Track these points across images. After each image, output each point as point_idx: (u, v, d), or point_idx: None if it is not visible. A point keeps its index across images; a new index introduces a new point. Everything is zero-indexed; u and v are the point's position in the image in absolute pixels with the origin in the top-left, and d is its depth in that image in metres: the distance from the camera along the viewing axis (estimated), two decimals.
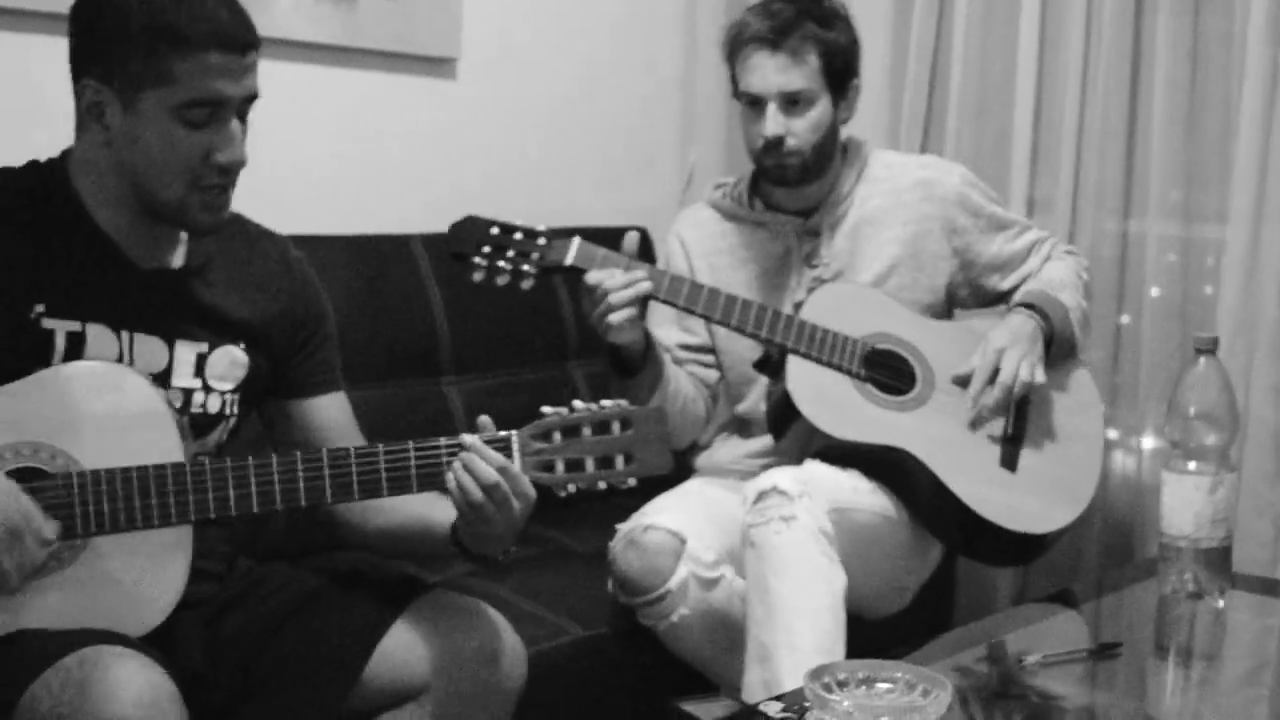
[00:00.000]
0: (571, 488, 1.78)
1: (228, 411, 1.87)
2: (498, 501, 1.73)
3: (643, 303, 2.32)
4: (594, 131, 3.50)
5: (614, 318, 2.26)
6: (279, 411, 1.96)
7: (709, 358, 2.64)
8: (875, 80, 3.27)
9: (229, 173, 1.76)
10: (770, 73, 2.46)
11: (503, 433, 1.75)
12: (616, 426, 1.77)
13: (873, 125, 3.24)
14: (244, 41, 1.73)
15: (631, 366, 2.40)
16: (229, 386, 1.86)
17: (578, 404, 1.78)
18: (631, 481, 1.78)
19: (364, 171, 3.05)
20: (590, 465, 1.77)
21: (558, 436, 1.76)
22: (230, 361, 1.86)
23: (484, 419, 1.77)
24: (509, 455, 1.75)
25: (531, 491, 1.75)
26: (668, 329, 2.58)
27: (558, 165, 3.41)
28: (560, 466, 1.76)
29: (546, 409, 1.77)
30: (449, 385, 2.93)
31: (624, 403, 1.78)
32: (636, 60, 3.59)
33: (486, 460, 1.73)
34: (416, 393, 2.86)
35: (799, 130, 2.48)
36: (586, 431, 1.77)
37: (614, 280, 2.27)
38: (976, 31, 3.24)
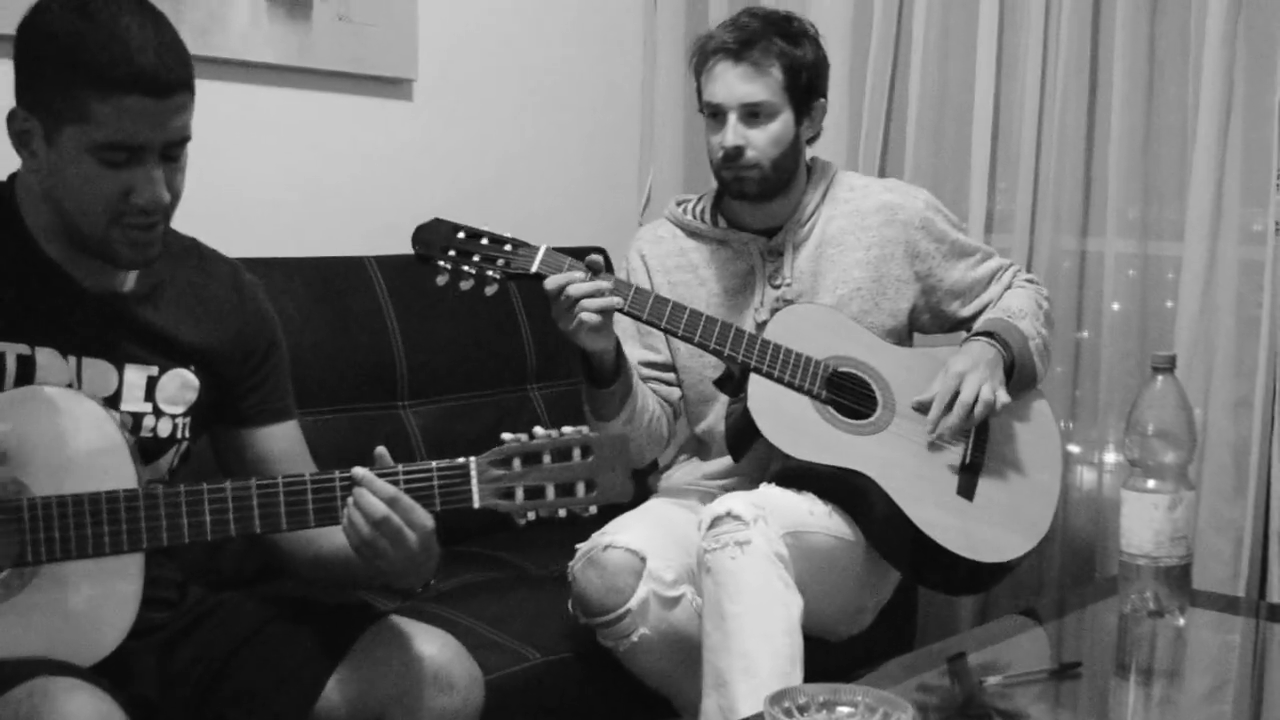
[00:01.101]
0: (531, 515, 1.76)
1: (179, 435, 1.85)
2: (389, 535, 1.70)
3: (609, 316, 2.31)
4: (551, 151, 3.50)
5: (587, 316, 2.24)
6: (228, 440, 1.94)
7: (671, 375, 2.64)
8: (832, 97, 3.26)
9: (150, 213, 1.71)
10: (732, 82, 2.46)
11: (460, 459, 1.74)
12: (578, 453, 1.76)
13: (831, 143, 3.24)
14: (168, 84, 1.66)
15: (604, 376, 2.39)
16: (180, 410, 1.85)
17: (539, 430, 1.76)
18: (592, 509, 1.77)
19: (319, 193, 3.04)
20: (551, 492, 1.75)
21: (517, 463, 1.75)
22: (181, 384, 1.85)
23: (380, 450, 1.75)
24: (465, 481, 1.74)
25: (427, 521, 1.72)
26: (630, 346, 2.57)
27: (515, 185, 3.41)
28: (520, 494, 1.75)
29: (506, 435, 1.76)
30: (406, 409, 2.92)
31: (585, 430, 1.78)
32: (594, 80, 3.60)
33: (375, 492, 1.70)
34: (373, 418, 2.85)
35: (758, 142, 2.48)
36: (547, 458, 1.75)
37: (583, 286, 2.26)
38: (934, 49, 3.25)
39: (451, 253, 2.27)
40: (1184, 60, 2.96)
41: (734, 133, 2.47)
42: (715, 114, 2.50)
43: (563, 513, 1.76)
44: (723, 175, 2.52)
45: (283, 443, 1.94)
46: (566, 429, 1.77)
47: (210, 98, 2.83)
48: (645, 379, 2.59)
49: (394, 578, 1.77)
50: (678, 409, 2.65)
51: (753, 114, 2.47)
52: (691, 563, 2.35)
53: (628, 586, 2.33)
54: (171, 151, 1.71)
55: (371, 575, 1.79)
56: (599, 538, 2.39)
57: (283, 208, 2.97)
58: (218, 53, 2.78)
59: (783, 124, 2.49)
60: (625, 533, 2.38)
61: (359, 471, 1.71)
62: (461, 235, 2.28)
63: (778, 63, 2.46)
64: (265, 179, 2.93)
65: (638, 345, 2.61)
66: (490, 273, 2.27)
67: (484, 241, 2.28)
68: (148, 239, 1.73)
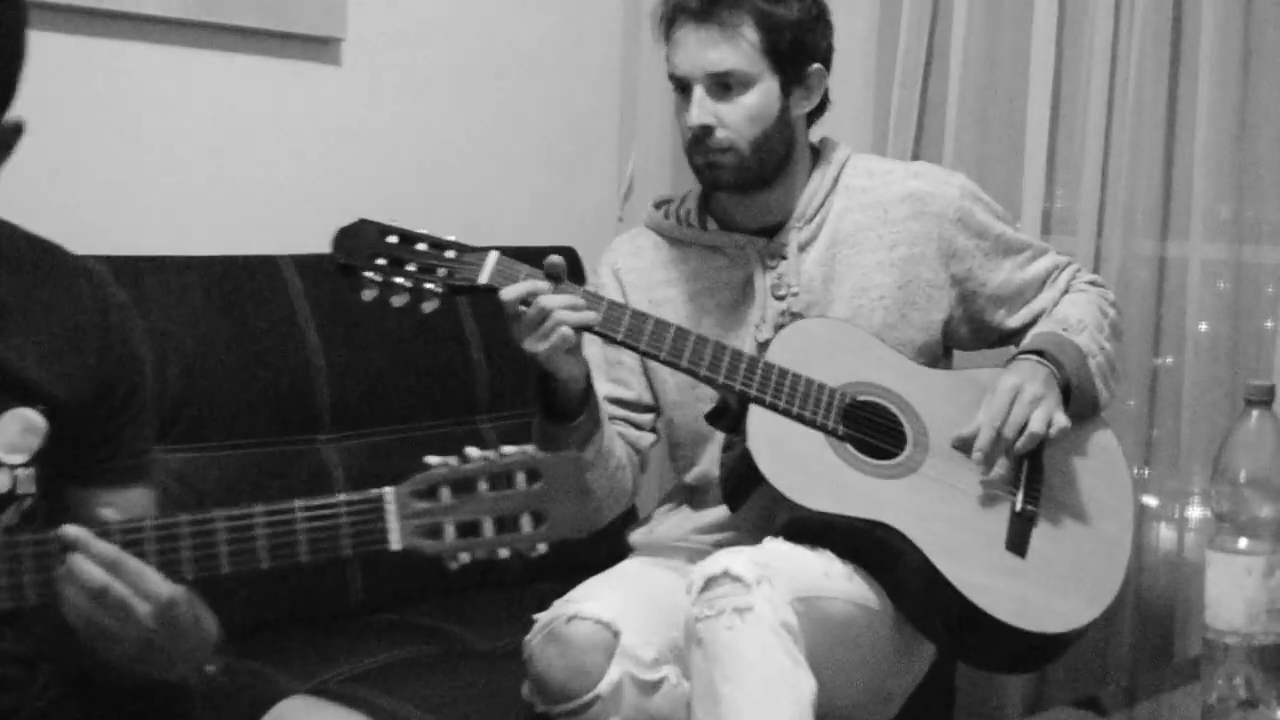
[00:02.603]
0: (465, 557, 1.73)
1: (19, 490, 1.82)
2: (111, 609, 1.64)
3: (585, 330, 2.31)
4: (511, 131, 3.51)
5: (567, 332, 2.24)
6: (63, 500, 1.91)
7: (644, 417, 2.64)
8: (855, 72, 3.30)
9: None
10: (695, 49, 2.47)
11: (374, 491, 1.72)
12: (521, 479, 1.74)
13: (852, 127, 3.25)
14: None
15: (568, 408, 2.38)
16: (21, 459, 1.81)
17: (472, 451, 1.74)
18: (542, 547, 1.75)
19: (225, 177, 3.03)
20: (489, 528, 1.73)
21: (446, 493, 1.72)
22: (23, 428, 1.81)
23: (107, 512, 1.72)
24: (381, 518, 1.71)
25: (160, 590, 1.66)
26: (596, 379, 2.55)
27: (466, 171, 3.42)
28: (450, 531, 1.72)
29: (432, 459, 1.73)
30: (328, 445, 2.93)
31: (530, 449, 1.75)
32: (564, 45, 3.61)
33: (93, 557, 1.64)
34: (287, 454, 2.86)
35: (731, 119, 2.48)
36: (483, 485, 1.73)
37: (559, 296, 2.26)
38: (981, 12, 3.26)
39: (381, 261, 2.26)
40: None
41: (700, 108, 2.48)
42: (682, 87, 2.51)
43: (505, 553, 1.74)
44: (694, 161, 2.53)
45: (125, 515, 1.89)
46: (507, 448, 1.75)
47: (87, 58, 2.83)
48: (611, 419, 2.58)
49: (147, 667, 1.72)
50: (646, 460, 2.65)
51: (723, 85, 2.48)
52: (677, 637, 2.34)
53: (597, 667, 2.31)
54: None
55: (120, 665, 1.73)
56: (562, 606, 2.38)
57: (177, 195, 2.96)
58: (101, 4, 2.79)
59: (761, 96, 2.49)
60: (595, 600, 2.36)
61: (71, 532, 1.65)
62: (393, 239, 2.28)
63: (751, 22, 2.46)
64: (156, 160, 2.93)
65: (604, 378, 2.61)
66: (429, 285, 2.27)
67: (421, 247, 2.28)
68: None
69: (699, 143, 2.49)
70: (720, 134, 2.48)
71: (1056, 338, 2.52)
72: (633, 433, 2.61)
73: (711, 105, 2.48)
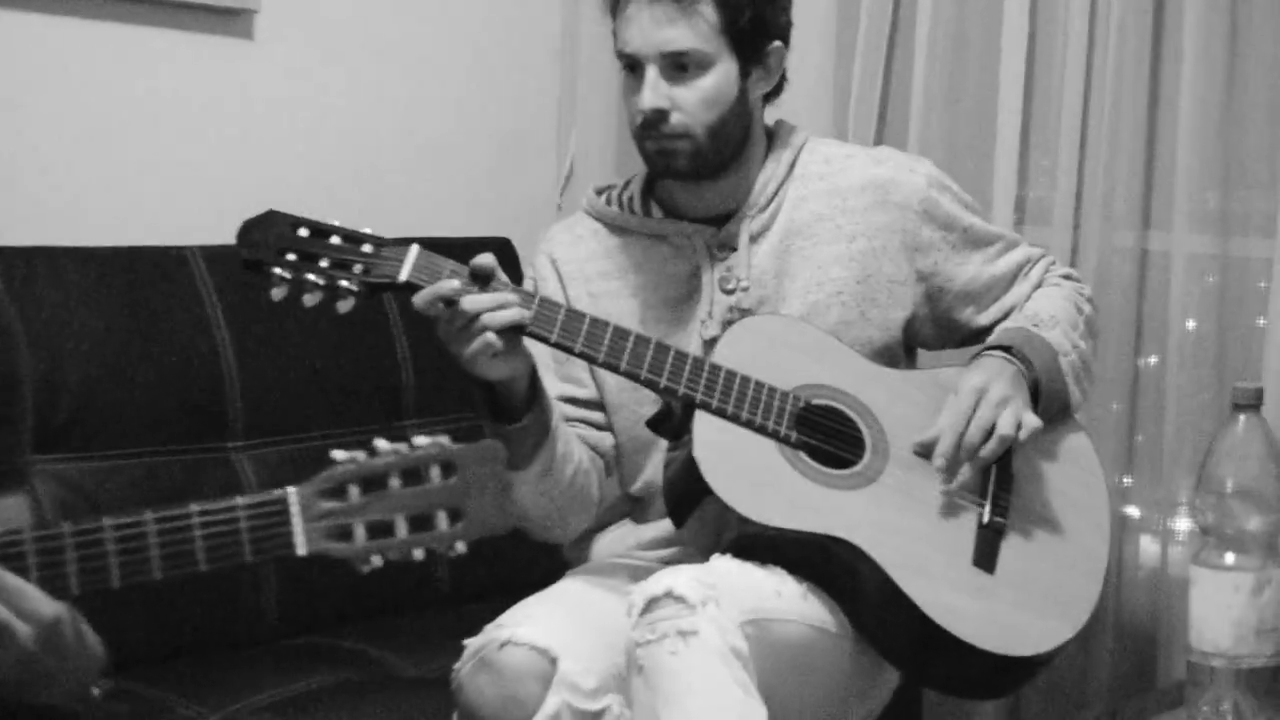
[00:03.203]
0: (378, 560, 1.73)
1: None
2: None
3: (516, 331, 2.30)
4: (439, 110, 3.51)
5: (491, 338, 2.23)
6: None
7: (602, 417, 2.63)
8: (813, 47, 3.29)
9: None
10: (647, 25, 2.46)
11: (276, 491, 1.71)
12: (435, 472, 1.74)
13: (809, 108, 3.24)
14: None
15: (510, 412, 2.37)
16: None
17: (381, 444, 1.74)
18: (460, 546, 1.75)
19: (126, 161, 3.03)
20: (402, 527, 1.73)
21: (355, 491, 1.72)
22: None
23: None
24: (284, 521, 1.71)
25: (44, 610, 1.66)
26: (547, 378, 2.55)
27: (391, 156, 3.42)
28: (360, 532, 1.72)
29: (338, 454, 1.73)
30: (240, 453, 2.93)
31: (444, 439, 1.75)
32: (498, 16, 3.61)
33: None
34: (195, 463, 2.86)
35: (686, 102, 2.47)
36: (394, 481, 1.73)
37: (481, 298, 2.25)
38: None
39: (291, 256, 2.25)
40: (1277, 4, 2.97)
41: (654, 91, 2.47)
42: (632, 66, 2.51)
43: (420, 553, 1.74)
44: (645, 147, 2.53)
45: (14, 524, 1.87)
46: (419, 439, 1.75)
47: None
48: (567, 420, 2.58)
49: (26, 691, 1.71)
50: (610, 462, 2.64)
51: (678, 65, 2.47)
52: (620, 662, 2.33)
53: (532, 697, 2.30)
54: None
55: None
56: (494, 631, 2.36)
57: (73, 180, 2.96)
58: None
59: (719, 77, 2.49)
60: (530, 624, 2.35)
61: None
62: (304, 233, 2.27)
63: None
64: (47, 140, 2.92)
65: (554, 377, 2.60)
66: (344, 283, 2.26)
67: (335, 241, 2.27)
68: None
69: (651, 127, 2.48)
70: (675, 118, 2.48)
71: (1026, 333, 2.53)
72: (593, 434, 2.60)
73: (665, 88, 2.47)
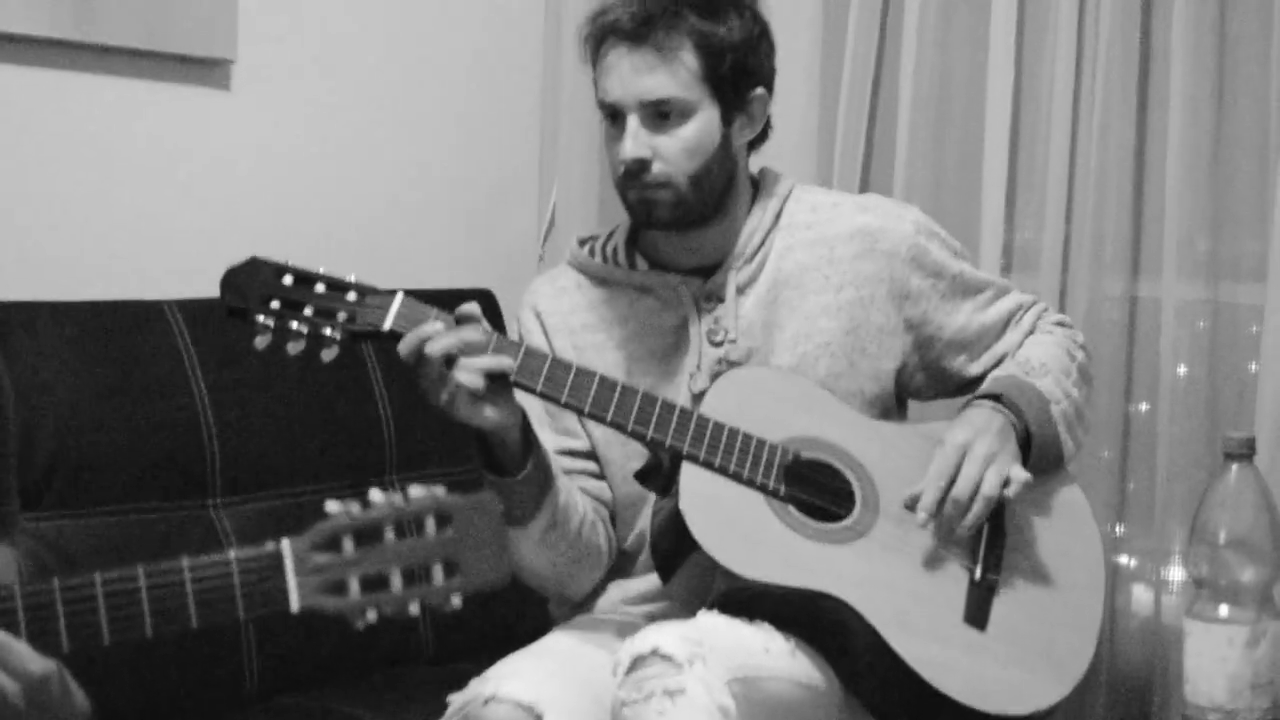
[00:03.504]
0: (373, 615, 1.71)
1: None
2: None
3: (502, 381, 2.30)
4: (422, 161, 3.51)
5: (466, 379, 2.23)
6: None
7: (600, 466, 2.63)
8: (797, 93, 3.31)
9: None
10: (627, 74, 2.47)
11: (269, 545, 1.70)
12: (430, 524, 1.72)
13: (794, 155, 3.27)
14: None
15: (506, 463, 2.36)
16: None
17: (375, 495, 1.73)
18: (456, 600, 1.73)
19: (102, 213, 3.02)
20: (397, 581, 1.71)
21: (349, 544, 1.70)
22: None
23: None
24: (278, 575, 1.70)
25: (33, 668, 1.66)
26: (543, 433, 2.54)
27: (371, 207, 3.41)
28: (355, 586, 1.70)
29: (332, 505, 1.72)
30: (219, 509, 2.91)
31: (439, 490, 1.74)
32: (479, 66, 3.61)
33: None
34: (173, 521, 2.83)
35: (668, 152, 2.48)
36: (389, 534, 1.71)
37: (448, 339, 2.24)
38: (934, 26, 3.28)
39: (275, 304, 2.25)
40: (1264, 46, 3.00)
41: (635, 140, 2.47)
42: (613, 116, 2.51)
43: (415, 608, 1.73)
44: (627, 197, 2.52)
45: None
46: (414, 490, 1.73)
47: None
48: (566, 473, 2.56)
49: None
50: (614, 512, 2.63)
51: (659, 114, 2.47)
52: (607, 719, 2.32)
53: None
54: None
55: None
56: (479, 686, 2.35)
57: (48, 233, 2.95)
58: None
59: (701, 125, 2.49)
60: (515, 680, 2.33)
61: None
62: (288, 280, 2.27)
63: (689, 43, 2.46)
64: (22, 193, 2.91)
65: (549, 430, 2.59)
66: (328, 331, 2.25)
67: (319, 289, 2.27)
68: None
69: (633, 177, 2.48)
70: (657, 168, 2.47)
71: (1016, 381, 2.53)
72: (593, 484, 2.59)
73: (647, 136, 2.47)
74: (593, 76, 2.54)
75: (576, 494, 2.51)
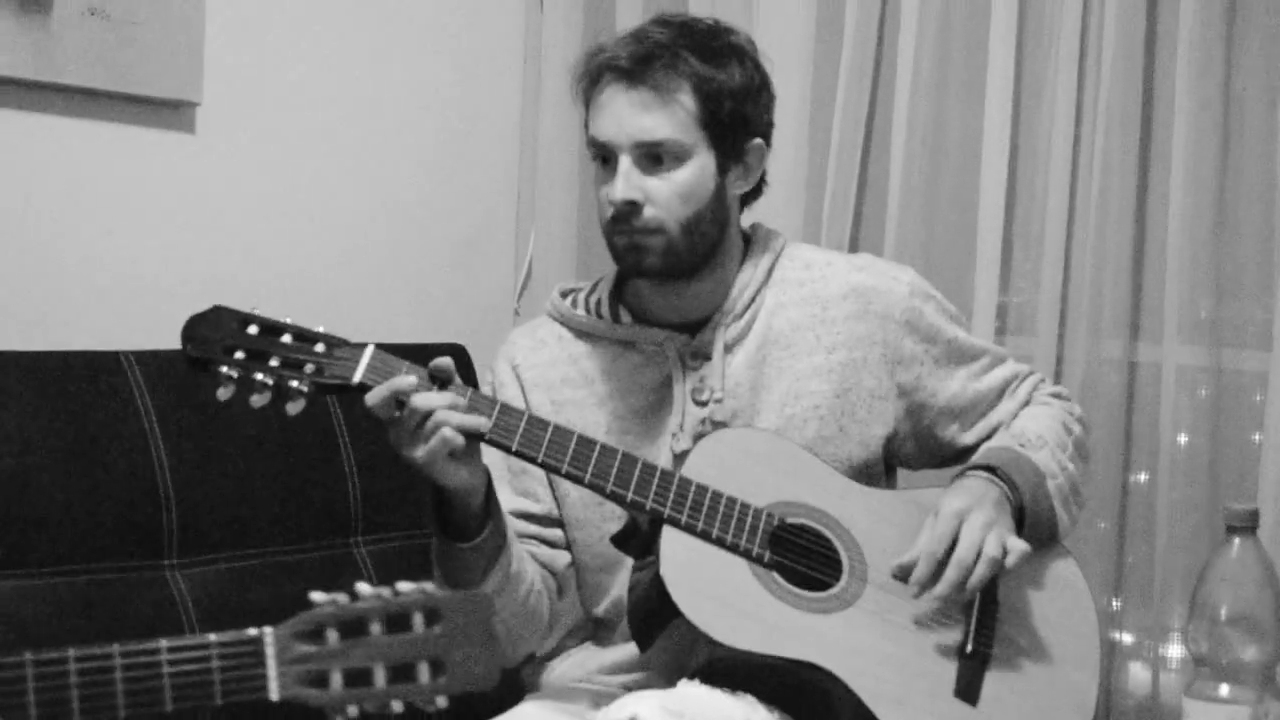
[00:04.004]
0: (354, 711, 1.71)
1: None
2: None
3: (475, 439, 2.30)
4: (393, 210, 3.51)
5: (449, 435, 2.23)
6: None
7: (557, 533, 2.63)
8: (786, 145, 3.29)
9: None
10: (623, 114, 2.48)
11: (251, 631, 1.70)
12: (419, 620, 1.73)
13: (782, 210, 3.27)
14: None
15: (464, 525, 2.36)
16: None
17: (363, 588, 1.73)
18: (441, 701, 1.73)
19: (59, 259, 3.01)
20: (381, 677, 1.71)
21: (333, 636, 1.71)
22: None
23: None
24: (259, 662, 1.70)
25: None
26: (499, 490, 2.54)
27: (339, 256, 3.42)
28: (338, 679, 1.70)
29: (317, 595, 1.72)
30: (175, 570, 2.87)
31: (429, 586, 1.74)
32: (454, 112, 3.62)
33: None
34: (127, 582, 2.80)
35: (660, 195, 2.49)
36: (375, 628, 1.72)
37: (438, 396, 2.25)
38: (927, 81, 3.31)
39: (239, 355, 2.25)
40: (1270, 106, 3.02)
41: (626, 182, 2.48)
42: (604, 158, 2.52)
43: (398, 706, 1.72)
44: (614, 242, 2.53)
45: None
46: (403, 585, 1.74)
47: None
48: (520, 537, 2.57)
49: None
50: (563, 582, 2.63)
51: (653, 156, 2.49)
52: None
53: None
54: None
55: None
56: None
57: (3, 278, 2.94)
58: None
59: (696, 171, 2.50)
60: None
61: None
62: (253, 330, 2.27)
63: (688, 85, 2.48)
64: None
65: (509, 490, 2.60)
66: (294, 383, 2.25)
67: (286, 339, 2.28)
68: None
69: (622, 221, 2.49)
70: (648, 212, 2.48)
71: (1012, 454, 2.54)
72: (545, 551, 2.59)
73: (639, 178, 2.48)
74: (583, 119, 2.56)
75: (527, 561, 2.51)
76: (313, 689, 1.70)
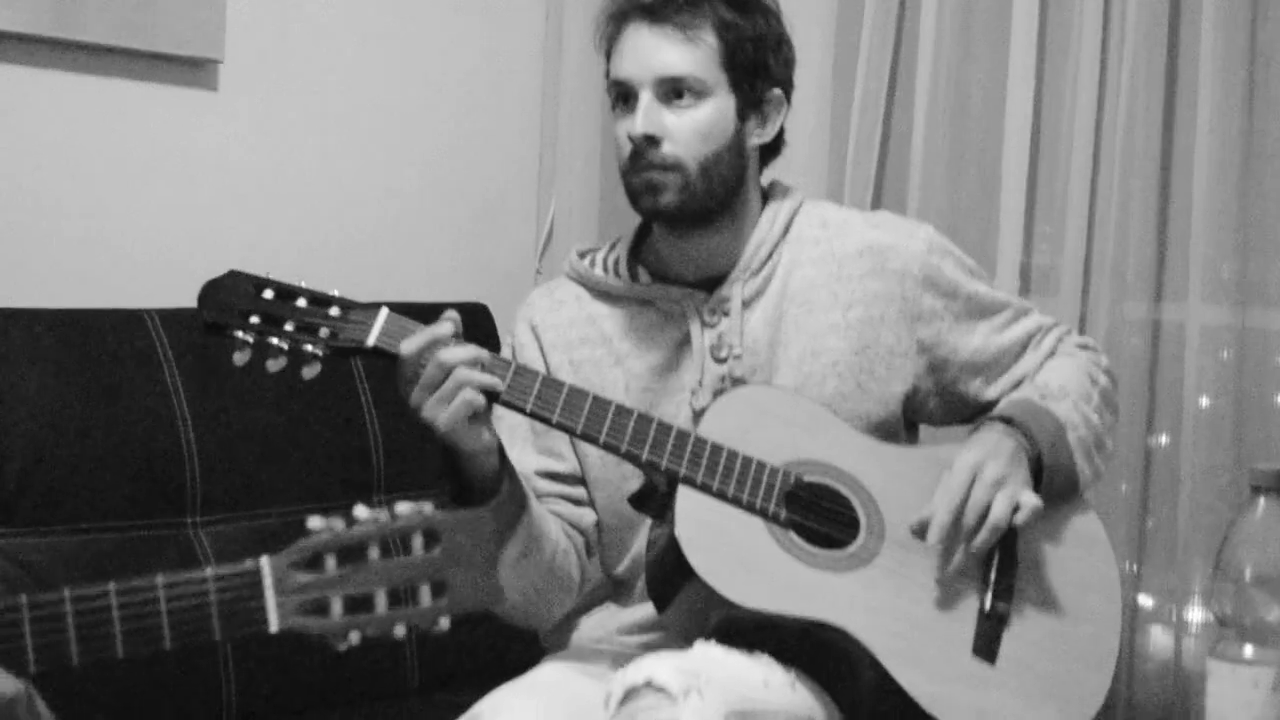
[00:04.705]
0: (355, 637, 1.70)
1: None
2: None
3: (490, 400, 2.29)
4: (416, 167, 3.52)
5: (471, 396, 2.22)
6: None
7: (582, 492, 2.62)
8: (808, 105, 3.30)
9: None
10: (647, 49, 2.48)
11: (247, 562, 1.68)
12: (418, 542, 1.70)
13: (804, 169, 3.27)
14: None
15: (482, 488, 2.35)
16: None
17: (360, 511, 1.71)
18: (444, 622, 1.72)
19: (83, 218, 3.03)
20: (382, 602, 1.70)
21: (332, 562, 1.69)
22: None
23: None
24: (257, 594, 1.69)
25: (3, 688, 1.67)
26: (523, 450, 2.56)
27: (361, 216, 3.43)
28: (338, 607, 1.68)
29: (314, 521, 1.70)
30: (198, 528, 2.91)
31: (426, 506, 1.72)
32: (474, 70, 3.63)
33: None
34: (151, 539, 2.84)
35: (680, 132, 2.47)
36: (374, 552, 1.69)
37: (461, 351, 2.24)
38: (950, 42, 3.30)
39: (255, 319, 2.25)
40: None
41: (646, 116, 2.47)
42: (625, 97, 2.52)
43: (401, 630, 1.71)
44: (631, 182, 2.52)
45: None
46: (400, 506, 1.71)
47: None
48: (544, 496, 2.57)
49: None
50: (591, 541, 2.62)
51: (674, 92, 2.48)
52: None
53: None
54: None
55: None
56: None
57: (25, 237, 2.96)
58: None
59: (715, 110, 2.49)
60: (504, 713, 2.34)
61: None
62: (269, 294, 2.27)
63: (713, 28, 2.48)
64: (0, 194, 2.91)
65: (531, 449, 2.59)
66: (309, 347, 2.25)
67: (301, 303, 2.27)
68: None
69: (640, 157, 2.48)
70: (666, 148, 2.47)
71: (1031, 405, 2.52)
72: (572, 510, 2.58)
73: (658, 114, 2.47)
74: (604, 70, 2.55)
75: (550, 521, 2.51)
76: (313, 617, 1.69)
